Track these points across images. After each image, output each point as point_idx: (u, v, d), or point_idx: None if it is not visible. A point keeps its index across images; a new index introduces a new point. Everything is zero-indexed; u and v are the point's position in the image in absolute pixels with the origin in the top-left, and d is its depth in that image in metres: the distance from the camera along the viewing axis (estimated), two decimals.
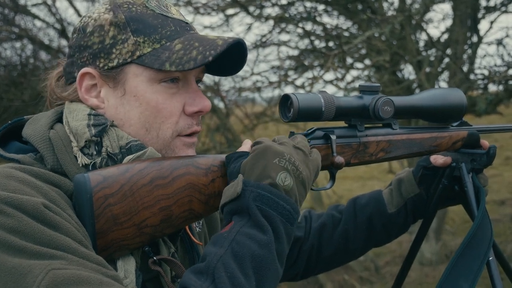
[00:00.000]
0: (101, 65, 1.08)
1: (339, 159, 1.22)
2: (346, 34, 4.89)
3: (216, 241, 0.96)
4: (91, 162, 1.05)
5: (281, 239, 0.98)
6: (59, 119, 1.11)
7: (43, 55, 5.71)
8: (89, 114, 1.08)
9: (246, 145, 1.11)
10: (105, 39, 1.07)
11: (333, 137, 1.23)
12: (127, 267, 1.02)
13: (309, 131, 1.25)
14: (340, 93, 4.50)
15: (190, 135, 1.14)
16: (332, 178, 1.30)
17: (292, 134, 1.23)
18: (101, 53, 1.07)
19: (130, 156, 1.05)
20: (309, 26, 4.93)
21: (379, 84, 1.29)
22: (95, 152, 1.06)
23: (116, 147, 1.06)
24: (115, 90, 1.09)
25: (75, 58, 1.10)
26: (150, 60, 1.06)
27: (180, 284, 0.92)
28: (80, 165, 1.04)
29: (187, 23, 1.14)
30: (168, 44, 1.08)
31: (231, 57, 1.14)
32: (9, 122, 1.12)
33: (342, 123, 1.32)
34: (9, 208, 0.88)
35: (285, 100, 1.19)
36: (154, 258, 1.06)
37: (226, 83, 5.09)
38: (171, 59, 1.05)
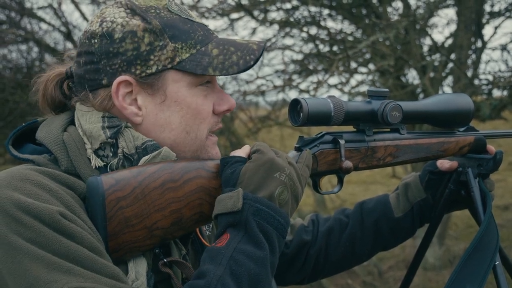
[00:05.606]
0: (137, 72, 1.07)
1: (348, 163, 1.23)
2: (350, 38, 4.90)
3: (213, 257, 0.98)
4: (104, 164, 1.06)
5: (275, 253, 1.01)
6: (72, 122, 1.11)
7: (49, 58, 5.74)
8: (103, 117, 1.08)
9: (243, 150, 1.12)
10: (141, 45, 1.06)
11: (342, 141, 1.24)
12: (138, 269, 1.03)
13: (318, 136, 1.26)
14: (345, 98, 4.51)
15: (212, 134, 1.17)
16: (340, 182, 1.31)
17: (301, 138, 1.24)
18: (137, 60, 1.06)
19: (146, 157, 1.07)
20: (313, 31, 4.94)
21: (387, 89, 1.31)
22: (111, 154, 1.07)
23: (132, 147, 1.07)
24: (154, 96, 1.09)
25: (102, 65, 1.07)
26: (191, 66, 1.08)
27: None
28: (94, 167, 1.05)
29: (207, 26, 1.16)
30: (204, 49, 1.10)
31: None
32: (23, 124, 1.13)
33: (350, 128, 1.33)
34: (27, 216, 0.90)
35: (294, 105, 1.20)
36: (164, 260, 1.07)
37: (230, 86, 5.10)
38: (213, 64, 1.08)
